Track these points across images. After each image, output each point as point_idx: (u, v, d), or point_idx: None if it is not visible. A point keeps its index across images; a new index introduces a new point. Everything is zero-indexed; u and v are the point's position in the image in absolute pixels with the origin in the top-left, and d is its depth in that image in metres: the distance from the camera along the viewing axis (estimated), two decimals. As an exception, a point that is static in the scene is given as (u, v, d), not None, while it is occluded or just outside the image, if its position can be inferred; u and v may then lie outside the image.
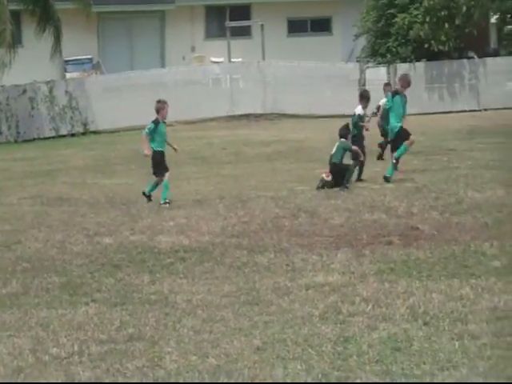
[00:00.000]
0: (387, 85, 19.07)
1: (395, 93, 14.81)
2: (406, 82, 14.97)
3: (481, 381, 5.59)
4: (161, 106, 13.28)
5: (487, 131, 21.73)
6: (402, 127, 14.31)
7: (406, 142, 14.25)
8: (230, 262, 9.13)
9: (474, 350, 6.12)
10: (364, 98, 15.15)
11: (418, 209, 11.37)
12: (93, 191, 14.71)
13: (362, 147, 14.39)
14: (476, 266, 8.49)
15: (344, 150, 13.87)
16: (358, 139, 14.46)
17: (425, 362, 5.96)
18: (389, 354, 6.13)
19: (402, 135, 14.28)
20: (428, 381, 5.65)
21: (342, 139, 13.99)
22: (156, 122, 13.08)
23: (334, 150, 14.05)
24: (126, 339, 6.72)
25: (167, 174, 13.06)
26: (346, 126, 14.30)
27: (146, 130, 13.10)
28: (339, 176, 13.58)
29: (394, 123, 14.34)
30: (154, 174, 13.26)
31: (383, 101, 15.43)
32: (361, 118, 14.79)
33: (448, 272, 8.29)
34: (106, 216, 12.07)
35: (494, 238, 9.51)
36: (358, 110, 14.84)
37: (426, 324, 6.76)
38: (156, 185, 13.18)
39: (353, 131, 14.36)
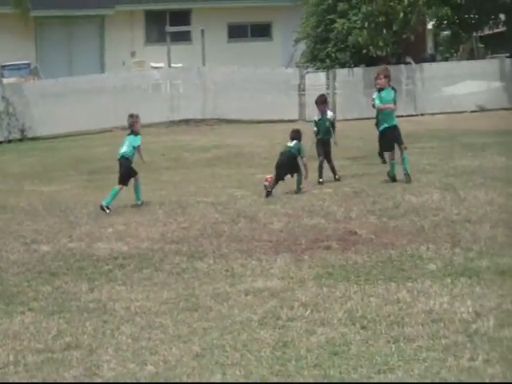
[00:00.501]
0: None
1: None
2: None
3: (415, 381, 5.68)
4: (134, 121, 13.59)
5: (424, 136, 22.04)
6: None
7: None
8: (170, 268, 9.10)
9: (409, 353, 6.20)
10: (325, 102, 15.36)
11: (356, 213, 11.47)
12: (30, 198, 14.51)
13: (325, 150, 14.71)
14: (412, 269, 8.60)
15: (299, 150, 13.90)
16: (325, 144, 14.66)
17: (362, 365, 6.02)
18: (327, 359, 6.18)
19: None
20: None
21: (295, 141, 14.01)
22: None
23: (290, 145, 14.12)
24: (63, 348, 6.66)
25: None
26: (298, 130, 14.36)
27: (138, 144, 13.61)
28: (290, 168, 13.67)
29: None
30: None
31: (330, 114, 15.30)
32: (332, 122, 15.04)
33: (385, 276, 8.38)
34: (44, 223, 11.93)
35: (430, 242, 9.66)
36: (330, 114, 15.01)
37: (363, 328, 6.82)
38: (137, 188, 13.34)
39: (323, 134, 14.58)
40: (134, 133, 13.70)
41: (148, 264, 9.30)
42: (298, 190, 13.53)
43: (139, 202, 13.17)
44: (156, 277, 8.77)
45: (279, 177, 13.61)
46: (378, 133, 14.73)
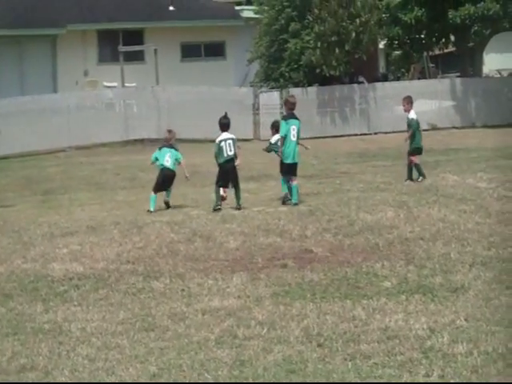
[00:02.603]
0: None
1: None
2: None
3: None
4: (172, 136, 15.64)
5: (377, 154, 22.29)
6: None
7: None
8: (126, 288, 9.06)
9: (366, 370, 6.25)
10: (275, 127, 15.45)
11: (311, 231, 11.54)
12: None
13: None
14: (368, 286, 8.68)
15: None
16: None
17: (319, 383, 6.05)
18: (284, 377, 6.20)
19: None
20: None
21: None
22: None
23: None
24: (18, 370, 6.58)
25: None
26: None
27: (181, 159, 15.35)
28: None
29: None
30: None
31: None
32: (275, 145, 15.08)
33: (341, 293, 8.45)
34: (-3, 244, 11.79)
35: (385, 259, 9.76)
36: (274, 139, 15.11)
37: (319, 345, 6.86)
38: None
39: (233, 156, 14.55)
40: (172, 147, 15.24)
41: (104, 284, 9.25)
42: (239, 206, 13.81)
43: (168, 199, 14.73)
44: (112, 297, 8.73)
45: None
46: None
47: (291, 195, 14.19)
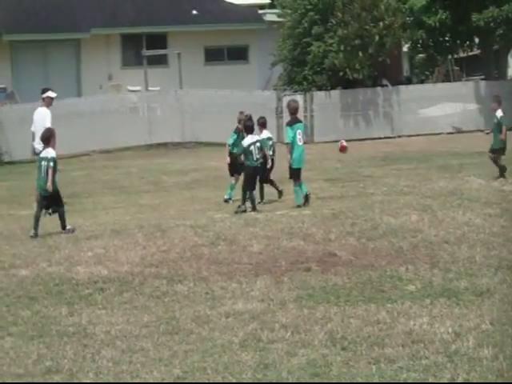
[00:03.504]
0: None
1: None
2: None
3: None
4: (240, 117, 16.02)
5: (401, 157, 22.21)
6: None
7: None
8: (150, 291, 9.08)
9: (390, 374, 6.23)
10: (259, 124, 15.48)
11: (335, 235, 11.51)
12: (8, 223, 14.45)
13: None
14: (392, 290, 8.65)
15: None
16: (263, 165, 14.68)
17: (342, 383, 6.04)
18: (308, 380, 6.19)
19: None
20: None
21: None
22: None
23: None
24: (44, 372, 6.62)
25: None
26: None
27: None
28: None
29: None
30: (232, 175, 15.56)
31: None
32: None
33: (365, 297, 8.42)
34: (22, 248, 11.86)
35: (409, 263, 9.72)
36: (257, 137, 14.87)
37: (344, 349, 6.85)
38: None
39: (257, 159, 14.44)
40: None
41: (128, 287, 9.28)
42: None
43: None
44: (136, 300, 8.75)
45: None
46: None
47: (298, 199, 14.21)
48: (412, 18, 31.03)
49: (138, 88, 32.19)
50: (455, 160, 20.49)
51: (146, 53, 32.91)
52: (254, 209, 14.09)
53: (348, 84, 30.07)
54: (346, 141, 27.84)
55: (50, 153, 13.03)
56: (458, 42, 32.62)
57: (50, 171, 12.87)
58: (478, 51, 34.82)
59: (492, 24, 29.60)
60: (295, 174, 14.48)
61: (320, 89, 30.19)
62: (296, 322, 7.65)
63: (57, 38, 33.51)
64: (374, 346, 6.86)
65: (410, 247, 10.56)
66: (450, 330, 7.15)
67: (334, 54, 29.28)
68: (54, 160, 12.98)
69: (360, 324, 7.48)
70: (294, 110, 14.84)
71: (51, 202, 13.04)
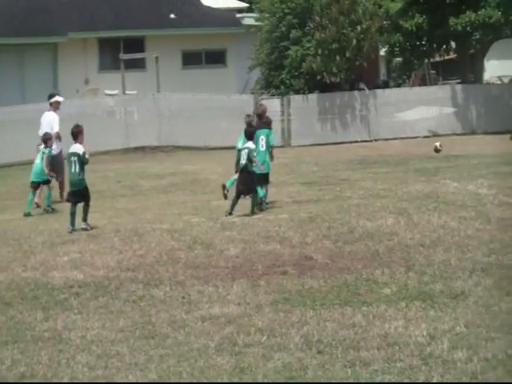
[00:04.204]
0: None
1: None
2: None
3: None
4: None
5: (377, 161, 22.29)
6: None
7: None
8: (126, 296, 9.07)
9: (365, 377, 6.26)
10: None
11: (311, 238, 11.54)
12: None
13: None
14: (368, 293, 8.69)
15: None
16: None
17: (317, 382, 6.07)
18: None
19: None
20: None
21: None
22: None
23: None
24: (18, 378, 6.60)
25: None
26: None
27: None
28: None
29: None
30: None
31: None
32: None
33: (341, 300, 8.45)
34: (-3, 252, 11.79)
35: (385, 266, 9.76)
36: (251, 144, 14.83)
37: (319, 352, 6.87)
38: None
39: (245, 165, 14.40)
40: None
41: (104, 292, 9.25)
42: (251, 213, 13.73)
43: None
44: (112, 305, 8.73)
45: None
46: None
47: (253, 205, 14.13)
48: (389, 22, 31.19)
49: (115, 92, 32.07)
50: (431, 163, 20.58)
51: (124, 56, 32.84)
52: (259, 209, 14.06)
53: (325, 88, 30.14)
54: (323, 145, 28.01)
55: (78, 148, 13.67)
56: (435, 45, 32.79)
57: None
58: (455, 55, 35.05)
59: (469, 28, 29.80)
60: (260, 178, 14.54)
61: (297, 92, 30.25)
62: (272, 325, 7.67)
63: (33, 42, 33.33)
64: (350, 349, 6.89)
65: (386, 250, 10.61)
66: (424, 332, 7.20)
67: (311, 58, 29.34)
68: (82, 155, 13.60)
69: (336, 327, 7.51)
70: (259, 115, 14.99)
71: (80, 197, 13.57)
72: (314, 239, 11.49)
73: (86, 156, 13.76)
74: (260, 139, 14.69)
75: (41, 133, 17.66)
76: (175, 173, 21.68)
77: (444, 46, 33.15)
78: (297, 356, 6.80)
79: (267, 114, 16.07)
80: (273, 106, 29.72)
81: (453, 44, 33.06)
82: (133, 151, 28.66)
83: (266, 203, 14.59)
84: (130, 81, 31.75)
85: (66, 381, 6.48)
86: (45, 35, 33.42)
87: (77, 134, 13.90)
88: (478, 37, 30.21)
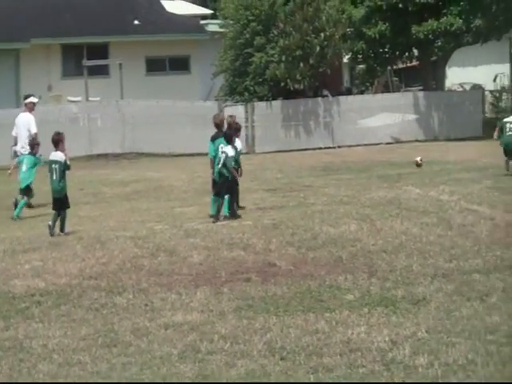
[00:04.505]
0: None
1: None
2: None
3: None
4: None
5: (341, 167, 22.40)
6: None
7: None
8: (88, 303, 9.01)
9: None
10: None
11: (275, 245, 11.57)
12: None
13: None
14: (331, 299, 8.73)
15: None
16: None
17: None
18: (246, 391, 6.21)
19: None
20: None
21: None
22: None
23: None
24: (-21, 388, 6.53)
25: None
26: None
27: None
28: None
29: None
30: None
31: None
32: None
33: (304, 307, 8.48)
34: (-42, 261, 11.66)
35: (348, 272, 9.82)
36: (229, 149, 14.71)
37: (282, 359, 6.89)
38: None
39: (226, 172, 14.35)
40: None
41: (66, 300, 9.19)
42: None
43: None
44: (74, 313, 8.68)
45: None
46: None
47: (218, 210, 14.19)
48: (352, 29, 31.36)
49: (78, 98, 31.86)
50: (394, 170, 20.74)
51: (87, 63, 32.65)
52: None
53: (289, 94, 30.21)
54: (287, 151, 28.06)
55: (59, 156, 13.82)
56: (398, 53, 33.03)
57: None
58: (417, 62, 35.33)
59: (431, 36, 30.07)
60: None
61: (261, 99, 30.28)
62: (235, 332, 7.67)
63: (-5, 48, 33.04)
64: (313, 356, 6.91)
65: (349, 257, 10.67)
66: (386, 338, 7.24)
67: (275, 65, 29.39)
68: (63, 163, 13.77)
69: (299, 334, 7.53)
70: (217, 125, 15.09)
71: (61, 204, 13.67)
72: (278, 246, 11.52)
73: (68, 162, 13.96)
74: (220, 147, 14.66)
75: (15, 133, 17.99)
76: (139, 180, 21.60)
77: (406, 54, 33.42)
78: (260, 363, 6.81)
79: (236, 120, 16.19)
80: (237, 112, 29.64)
81: (415, 51, 33.33)
82: (96, 158, 28.48)
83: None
84: (93, 87, 31.56)
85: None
86: (7, 41, 33.12)
87: (57, 141, 13.99)
88: (439, 44, 30.46)
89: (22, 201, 16.37)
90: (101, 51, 34.59)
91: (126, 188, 20.10)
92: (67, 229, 13.53)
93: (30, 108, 18.54)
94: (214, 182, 14.65)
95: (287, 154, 27.43)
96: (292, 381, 6.35)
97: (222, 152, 14.42)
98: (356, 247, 11.17)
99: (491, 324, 7.55)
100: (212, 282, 9.77)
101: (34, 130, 18.02)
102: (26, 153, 17.38)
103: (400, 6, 30.15)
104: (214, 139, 14.83)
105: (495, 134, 19.64)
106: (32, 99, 18.74)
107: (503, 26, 31.33)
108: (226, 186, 14.25)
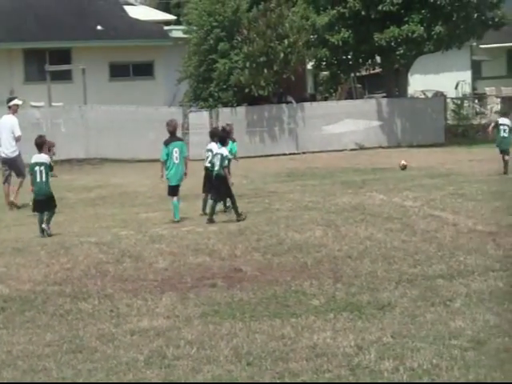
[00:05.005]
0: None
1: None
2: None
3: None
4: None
5: (305, 173, 22.49)
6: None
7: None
8: (53, 310, 8.95)
9: (294, 388, 6.31)
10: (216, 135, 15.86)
11: (241, 251, 11.59)
12: None
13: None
14: (296, 305, 8.75)
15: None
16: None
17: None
18: (213, 396, 6.20)
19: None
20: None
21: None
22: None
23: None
24: None
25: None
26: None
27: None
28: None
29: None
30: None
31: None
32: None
33: (270, 312, 8.50)
34: None
35: (314, 278, 9.85)
36: (224, 150, 14.89)
37: (249, 364, 6.89)
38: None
39: (218, 172, 14.65)
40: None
41: (30, 306, 9.12)
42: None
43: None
44: (39, 319, 8.61)
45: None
46: None
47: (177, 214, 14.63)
48: (316, 36, 31.53)
49: (41, 103, 31.64)
50: (358, 176, 20.87)
51: (50, 68, 32.44)
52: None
53: (253, 101, 30.28)
54: (252, 157, 28.08)
55: (44, 158, 14.17)
56: (361, 60, 33.29)
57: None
58: (380, 69, 35.60)
59: (393, 43, 30.34)
60: (173, 190, 14.93)
61: (226, 105, 30.32)
62: (201, 338, 7.67)
63: (-44, 52, 32.70)
64: (279, 361, 6.93)
65: (315, 262, 10.71)
66: (352, 343, 7.29)
67: (239, 71, 29.45)
68: (49, 164, 14.13)
69: (265, 339, 7.55)
70: (171, 130, 15.31)
71: (46, 205, 13.91)
72: (244, 251, 11.54)
73: (52, 164, 14.44)
74: (174, 151, 14.87)
75: None
76: (103, 185, 21.50)
77: (369, 61, 33.70)
78: (226, 368, 6.81)
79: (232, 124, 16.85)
80: (201, 118, 29.77)
81: (378, 58, 33.59)
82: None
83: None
84: (56, 92, 31.37)
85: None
86: (-32, 45, 32.83)
87: (41, 144, 14.34)
88: (401, 52, 30.74)
89: None
90: (63, 56, 34.39)
91: (91, 193, 19.99)
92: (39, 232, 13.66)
93: (14, 110, 18.82)
94: (208, 183, 15.23)
95: (252, 160, 27.39)
96: (259, 386, 6.36)
97: (217, 153, 14.81)
98: (321, 253, 11.22)
99: (455, 329, 7.62)
100: (178, 287, 9.76)
101: (18, 133, 18.47)
102: (13, 155, 18.31)
103: (363, 13, 30.42)
104: (167, 144, 15.09)
105: (489, 129, 22.19)
106: (16, 101, 19.03)
107: (464, 34, 31.74)
108: (224, 189, 14.56)
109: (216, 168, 14.73)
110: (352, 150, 30.17)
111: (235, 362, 6.95)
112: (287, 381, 6.45)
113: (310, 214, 14.49)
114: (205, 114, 29.92)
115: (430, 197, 15.97)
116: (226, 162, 14.72)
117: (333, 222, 13.46)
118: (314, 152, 29.44)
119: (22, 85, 34.02)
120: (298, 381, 6.44)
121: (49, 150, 16.28)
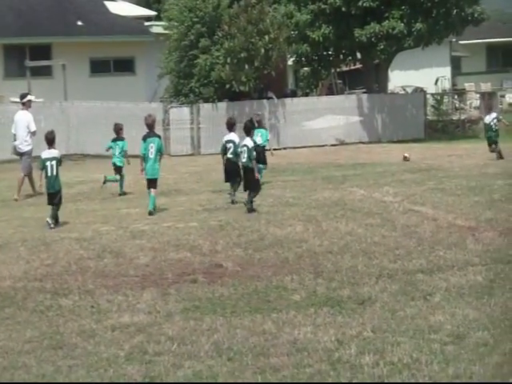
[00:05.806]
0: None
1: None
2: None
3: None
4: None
5: (286, 169, 22.51)
6: None
7: None
8: (33, 306, 8.92)
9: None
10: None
11: (221, 246, 11.59)
12: None
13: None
14: (277, 300, 8.78)
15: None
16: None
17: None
18: (194, 391, 6.21)
19: None
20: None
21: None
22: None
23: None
24: None
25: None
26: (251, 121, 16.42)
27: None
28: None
29: None
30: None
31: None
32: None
33: (251, 307, 8.51)
34: None
35: (294, 273, 9.88)
36: (249, 141, 15.21)
37: (230, 360, 6.91)
38: None
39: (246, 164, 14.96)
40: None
41: (10, 303, 9.09)
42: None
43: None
44: (19, 315, 8.58)
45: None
46: None
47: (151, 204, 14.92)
48: (297, 32, 31.56)
49: (40, 100, 31.45)
50: (338, 171, 20.93)
51: (30, 63, 32.27)
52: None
53: (234, 96, 30.28)
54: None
55: (56, 153, 14.63)
56: (341, 56, 33.37)
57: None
58: (360, 65, 35.70)
59: (373, 39, 30.44)
60: (149, 183, 15.30)
61: (207, 101, 30.30)
62: (182, 333, 7.67)
63: None
64: (260, 356, 6.95)
65: (295, 257, 10.74)
66: (333, 338, 7.32)
67: (220, 67, 29.43)
68: (59, 159, 14.60)
69: (246, 334, 7.56)
70: (149, 125, 15.58)
71: (58, 198, 14.34)
72: (224, 247, 11.55)
73: (61, 161, 14.79)
74: (150, 147, 15.16)
75: (14, 130, 19.15)
76: (84, 181, 21.43)
77: (350, 57, 33.78)
78: (207, 364, 6.82)
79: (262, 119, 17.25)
80: (182, 114, 29.74)
81: (358, 54, 33.68)
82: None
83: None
84: (36, 88, 31.17)
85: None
86: None
87: (52, 139, 14.73)
88: (382, 47, 30.85)
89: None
90: (44, 52, 34.25)
91: (71, 189, 19.89)
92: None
93: (28, 106, 19.49)
94: (228, 174, 15.89)
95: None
96: (239, 381, 6.37)
97: (244, 145, 15.15)
98: (302, 248, 11.25)
99: (435, 323, 7.67)
100: (159, 283, 9.75)
101: (33, 128, 19.15)
102: (26, 149, 19.01)
103: (343, 9, 30.50)
104: (145, 138, 15.40)
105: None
106: (30, 97, 19.76)
107: (444, 30, 31.89)
108: (252, 181, 14.84)
109: (244, 160, 15.07)
110: (333, 145, 30.24)
111: (216, 358, 6.96)
112: (268, 376, 6.46)
113: (291, 209, 14.52)
114: (186, 109, 29.89)
115: (410, 192, 16.04)
116: (254, 153, 14.99)
117: (314, 217, 13.50)
118: (294, 147, 29.49)
119: (1, 80, 33.88)
120: (279, 376, 6.46)
121: None
